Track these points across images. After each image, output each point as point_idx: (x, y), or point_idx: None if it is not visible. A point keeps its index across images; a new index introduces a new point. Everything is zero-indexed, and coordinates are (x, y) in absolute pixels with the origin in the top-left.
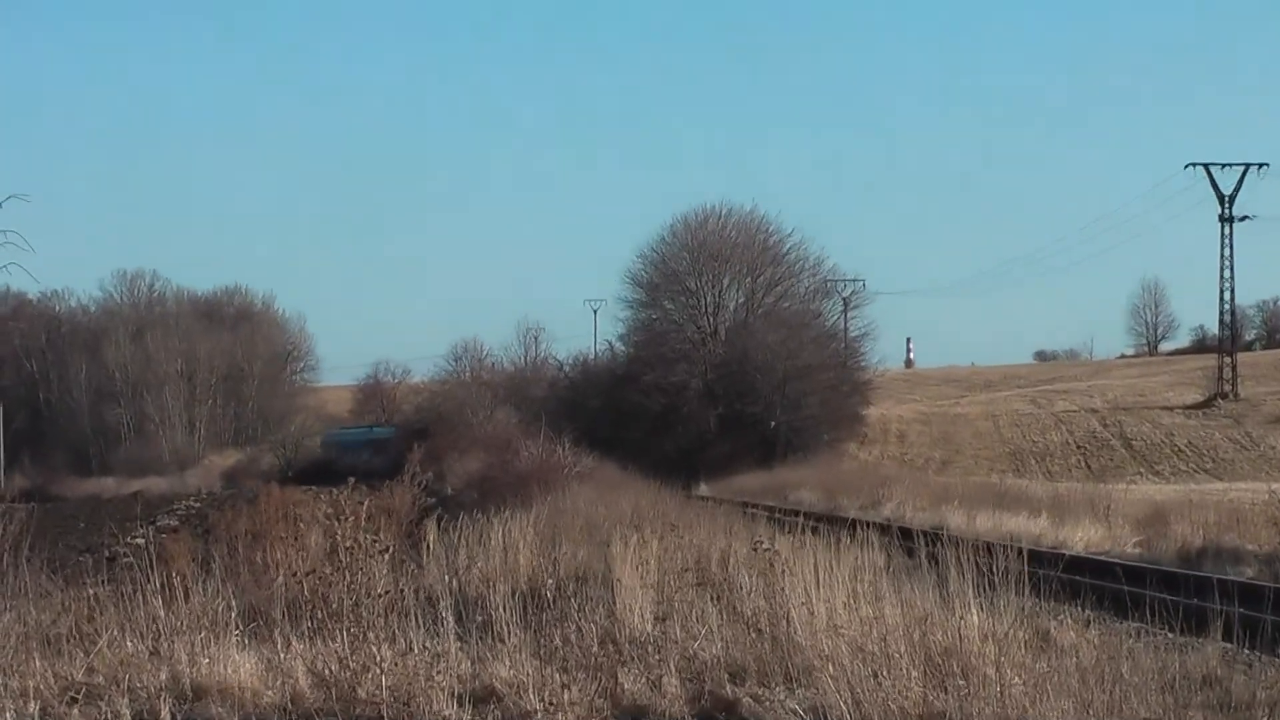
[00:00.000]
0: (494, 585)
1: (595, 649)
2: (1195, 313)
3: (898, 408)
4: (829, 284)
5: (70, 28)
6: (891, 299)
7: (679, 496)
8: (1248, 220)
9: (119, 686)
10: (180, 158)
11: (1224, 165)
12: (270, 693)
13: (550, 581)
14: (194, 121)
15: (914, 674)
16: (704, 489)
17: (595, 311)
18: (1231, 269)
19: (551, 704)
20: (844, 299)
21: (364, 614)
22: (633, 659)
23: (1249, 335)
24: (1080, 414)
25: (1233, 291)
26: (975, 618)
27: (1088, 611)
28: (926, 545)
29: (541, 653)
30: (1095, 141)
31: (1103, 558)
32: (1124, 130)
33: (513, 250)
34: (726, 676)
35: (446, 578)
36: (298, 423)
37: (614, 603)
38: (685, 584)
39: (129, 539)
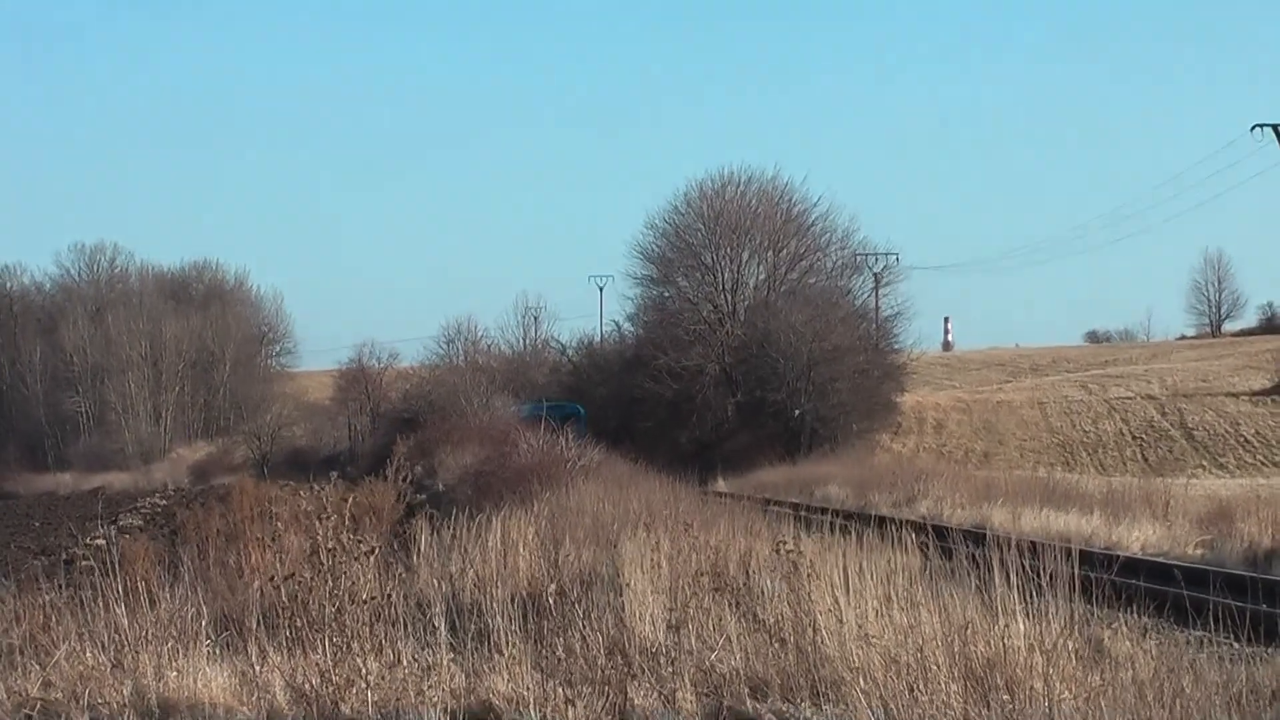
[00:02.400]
0: (491, 590)
1: (602, 660)
2: (1263, 289)
3: (935, 394)
4: (859, 258)
5: None
6: (928, 274)
7: (694, 492)
8: None
9: (78, 702)
10: (144, 120)
11: None
12: (245, 709)
13: (552, 586)
14: (159, 80)
15: (953, 688)
16: (722, 484)
17: (601, 289)
18: None
19: None
20: (875, 275)
21: (348, 622)
22: (643, 671)
23: None
24: (1136, 401)
25: None
26: (1021, 626)
27: (1145, 619)
28: (967, 546)
29: (543, 664)
30: (1152, 102)
31: (1161, 560)
32: (1183, 89)
33: (510, 221)
34: (747, 691)
35: (438, 582)
36: (274, 411)
37: (623, 609)
38: (701, 589)
39: (89, 540)
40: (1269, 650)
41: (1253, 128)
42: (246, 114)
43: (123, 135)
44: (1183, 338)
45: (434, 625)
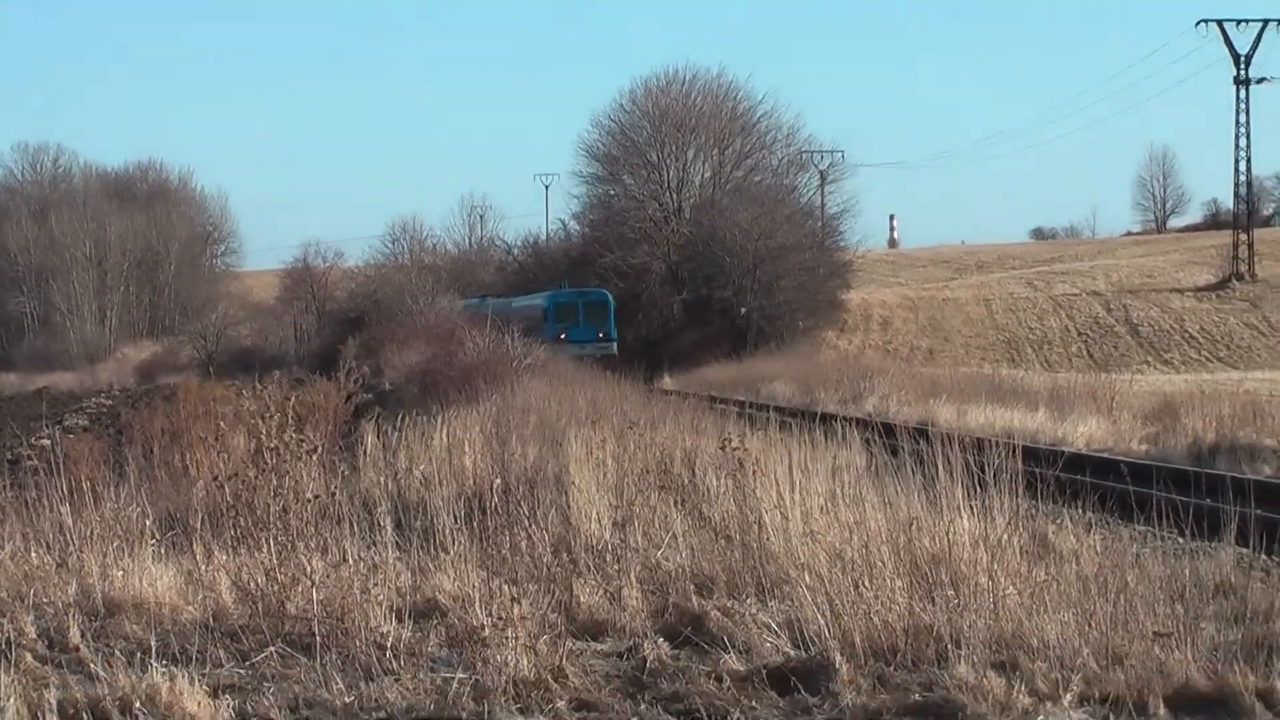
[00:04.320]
0: (437, 489)
1: (548, 558)
2: (1208, 185)
3: (880, 292)
4: (804, 155)
5: None
6: (874, 171)
7: (640, 390)
8: (1266, 82)
9: (23, 602)
10: (87, 18)
11: (1240, 21)
12: (191, 608)
13: (498, 483)
14: None
15: (899, 584)
16: (668, 382)
17: (547, 187)
18: (1248, 136)
19: (500, 619)
20: (821, 172)
21: (292, 521)
22: (589, 569)
23: (1267, 209)
24: (1082, 297)
25: (1249, 161)
26: (966, 522)
27: (1090, 514)
28: (913, 442)
29: (489, 563)
30: None
31: (1106, 455)
32: None
33: (456, 119)
34: (692, 588)
35: (384, 481)
36: (220, 311)
37: (569, 508)
38: (647, 487)
39: (33, 440)
40: (1212, 544)
41: (1197, 23)
42: (189, 11)
43: (65, 34)
44: (1128, 234)
45: (380, 524)
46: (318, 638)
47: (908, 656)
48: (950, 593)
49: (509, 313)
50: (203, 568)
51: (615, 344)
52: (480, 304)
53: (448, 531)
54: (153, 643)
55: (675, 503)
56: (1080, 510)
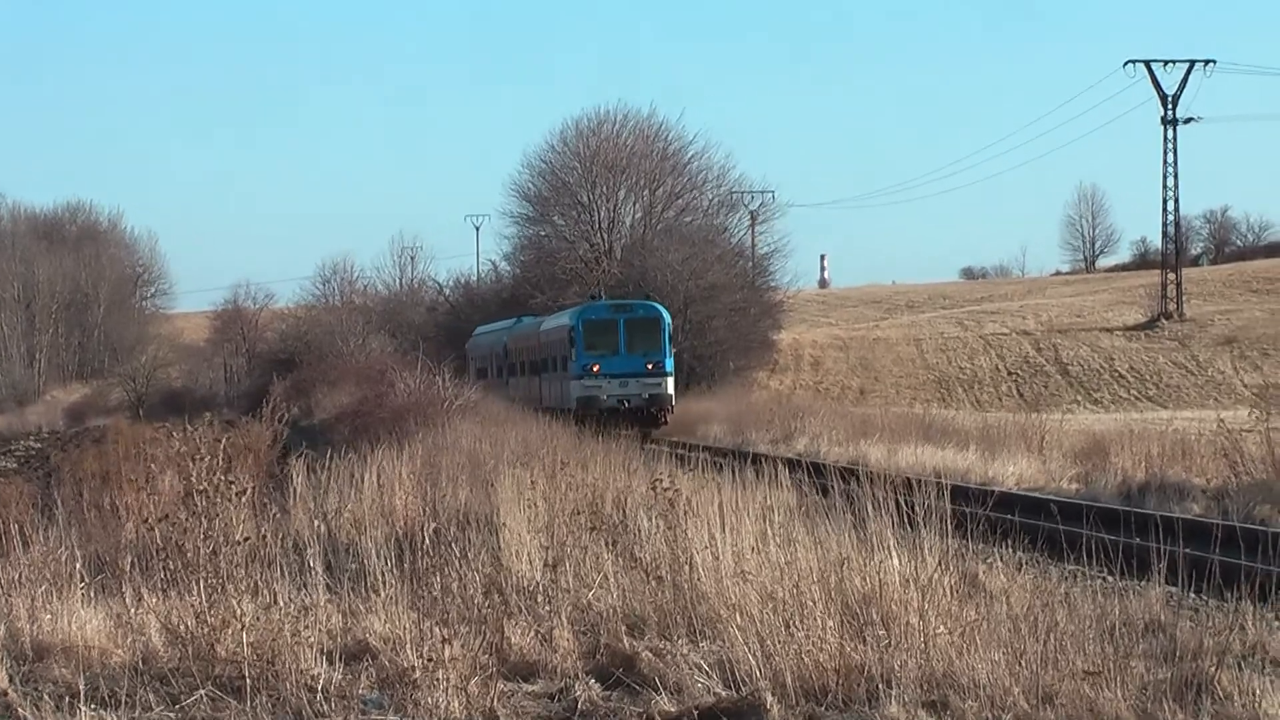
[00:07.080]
0: (367, 530)
1: (479, 599)
2: (1137, 225)
3: (811, 332)
4: (735, 196)
5: None
6: (804, 212)
7: (571, 431)
8: (1193, 123)
9: None
10: (13, 55)
11: (1166, 62)
12: (120, 651)
13: (431, 525)
14: (26, 17)
15: (830, 624)
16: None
17: (477, 228)
18: (1175, 176)
19: (430, 660)
20: (751, 212)
21: (222, 564)
22: (520, 610)
23: (1195, 249)
24: (1012, 337)
25: (1177, 201)
26: (896, 561)
27: (1020, 554)
28: (843, 482)
29: (420, 604)
30: (1026, 38)
31: (1036, 494)
32: (1057, 26)
33: (386, 160)
34: (624, 628)
35: (315, 523)
36: (150, 353)
37: (500, 549)
38: (578, 527)
39: None
40: (1142, 583)
41: (1125, 63)
42: (121, 53)
43: None
44: (1058, 273)
45: (310, 566)
46: (248, 680)
47: (839, 696)
48: (881, 632)
49: (537, 336)
50: (132, 611)
51: (671, 379)
52: (515, 325)
53: (378, 573)
54: (82, 686)
55: (606, 543)
56: (1010, 549)
